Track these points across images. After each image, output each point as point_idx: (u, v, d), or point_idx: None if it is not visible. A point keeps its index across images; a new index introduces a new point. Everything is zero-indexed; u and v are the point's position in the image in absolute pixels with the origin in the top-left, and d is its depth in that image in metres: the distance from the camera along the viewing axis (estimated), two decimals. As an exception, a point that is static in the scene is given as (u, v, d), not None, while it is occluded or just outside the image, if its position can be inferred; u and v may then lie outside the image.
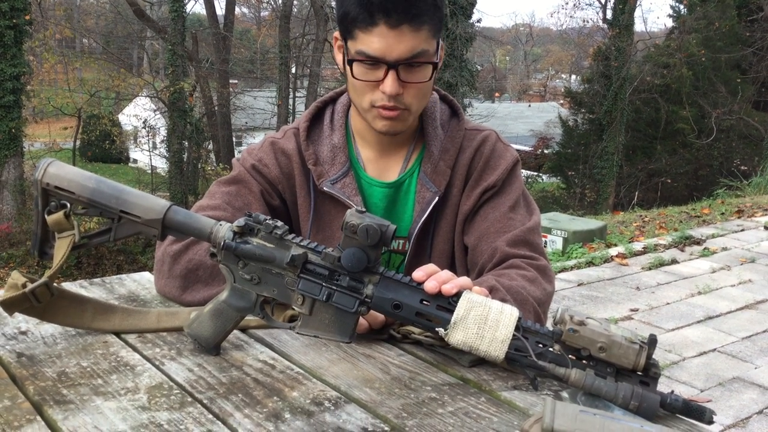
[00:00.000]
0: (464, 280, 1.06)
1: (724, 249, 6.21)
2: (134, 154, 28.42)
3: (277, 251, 1.04)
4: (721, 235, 6.68)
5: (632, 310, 4.69)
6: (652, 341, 0.95)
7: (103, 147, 26.17)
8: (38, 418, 0.89)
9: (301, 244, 1.04)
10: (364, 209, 1.02)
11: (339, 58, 1.40)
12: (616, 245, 6.34)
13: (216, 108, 21.17)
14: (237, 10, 26.78)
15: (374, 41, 1.27)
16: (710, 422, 0.93)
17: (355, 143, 1.50)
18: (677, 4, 21.72)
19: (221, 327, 1.08)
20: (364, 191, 1.48)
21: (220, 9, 23.13)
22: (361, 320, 1.13)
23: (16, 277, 1.08)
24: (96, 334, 1.15)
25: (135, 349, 1.11)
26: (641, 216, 8.26)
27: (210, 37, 22.56)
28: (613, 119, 18.05)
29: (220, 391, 0.98)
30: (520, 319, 1.00)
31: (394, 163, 1.50)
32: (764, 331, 4.37)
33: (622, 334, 0.95)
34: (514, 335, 0.98)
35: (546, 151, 22.89)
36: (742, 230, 6.93)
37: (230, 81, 23.07)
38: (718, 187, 10.59)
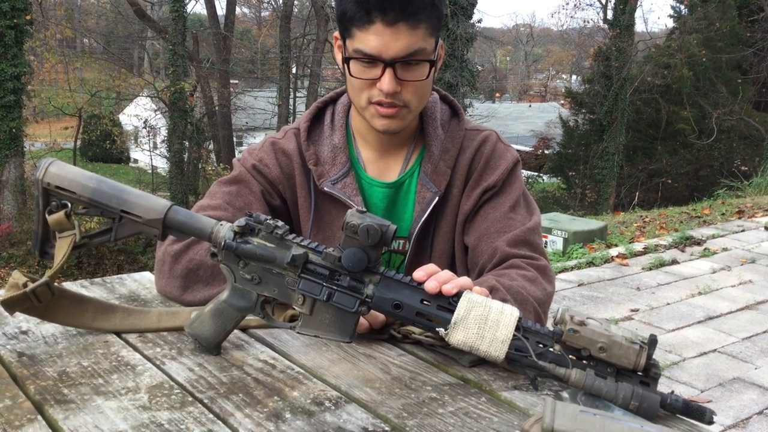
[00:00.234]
0: (464, 280, 1.06)
1: (725, 249, 6.20)
2: (135, 154, 28.42)
3: (278, 251, 1.04)
4: (722, 236, 6.68)
5: (632, 311, 4.69)
6: (653, 341, 0.95)
7: (103, 147, 26.18)
8: (39, 417, 0.89)
9: (302, 244, 1.04)
10: (364, 209, 1.02)
11: (339, 57, 1.41)
12: (616, 245, 6.34)
13: (216, 108, 21.17)
14: (238, 10, 26.78)
15: (371, 39, 1.27)
16: (710, 422, 0.93)
17: (356, 143, 1.50)
18: (678, 4, 21.72)
19: (222, 327, 1.08)
20: (365, 191, 1.48)
21: (220, 9, 23.17)
22: (362, 320, 1.13)
23: (17, 276, 1.08)
24: (97, 334, 1.15)
25: (136, 349, 1.11)
26: (642, 216, 8.26)
27: (211, 37, 22.56)
28: (613, 120, 18.05)
29: (220, 391, 0.98)
30: (520, 319, 1.00)
31: (395, 164, 1.50)
32: (764, 332, 4.37)
33: (622, 334, 0.95)
34: (514, 335, 0.98)
35: (546, 152, 22.88)
36: (743, 231, 6.93)
37: (231, 81, 23.07)
38: (718, 188, 10.59)
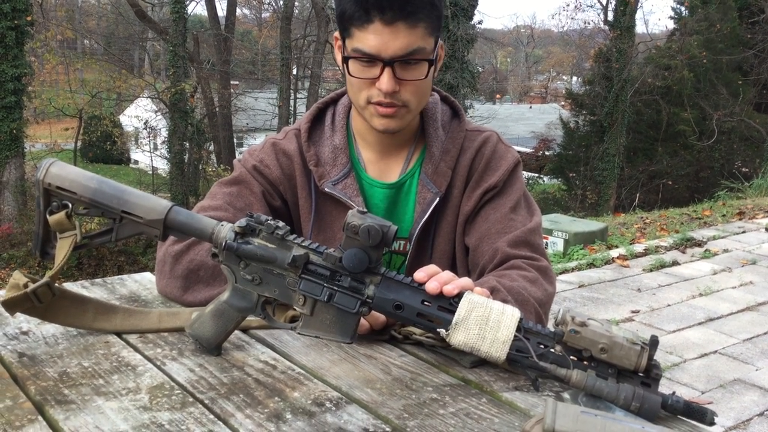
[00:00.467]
0: (465, 280, 1.06)
1: (725, 251, 6.20)
2: (135, 155, 28.43)
3: (279, 252, 1.04)
4: (722, 237, 6.68)
5: (633, 312, 4.69)
6: (654, 342, 0.95)
7: (104, 148, 26.21)
8: (40, 418, 0.89)
9: (303, 244, 1.04)
10: (365, 210, 1.02)
11: (339, 57, 1.41)
12: (617, 247, 6.34)
13: (217, 109, 21.18)
14: (238, 11, 26.82)
15: (369, 38, 1.27)
16: (711, 424, 0.93)
17: (356, 144, 1.50)
18: (678, 6, 21.73)
19: (222, 327, 1.08)
20: (365, 192, 1.48)
21: (221, 10, 23.12)
22: (362, 321, 1.13)
23: (18, 277, 1.08)
24: (97, 335, 1.15)
25: (136, 350, 1.11)
26: (642, 218, 8.26)
27: (211, 38, 22.58)
28: (614, 121, 18.05)
29: (221, 392, 0.98)
30: (521, 320, 1.00)
31: (395, 164, 1.50)
32: (765, 333, 4.36)
33: (623, 335, 0.95)
34: (515, 336, 0.98)
35: (547, 153, 22.88)
36: (743, 232, 6.93)
37: (231, 82, 23.08)
38: (719, 189, 10.59)
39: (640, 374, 0.95)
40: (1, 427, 0.86)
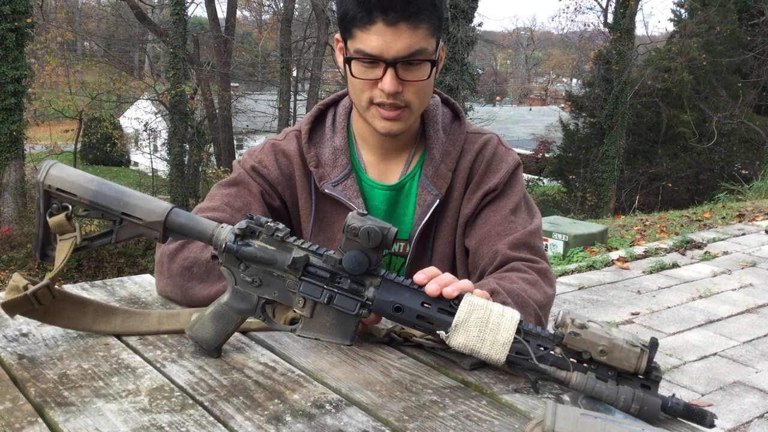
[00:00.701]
0: (465, 283, 1.06)
1: (725, 253, 6.20)
2: (135, 156, 28.44)
3: (279, 254, 1.04)
4: (722, 239, 6.68)
5: (633, 314, 4.69)
6: (653, 345, 0.95)
7: (104, 150, 26.21)
8: (39, 420, 0.89)
9: (303, 246, 1.04)
10: (365, 212, 1.02)
11: (340, 59, 1.41)
12: (617, 249, 6.34)
13: (217, 111, 21.19)
14: (238, 13, 26.84)
15: (372, 39, 1.28)
16: (711, 426, 0.93)
17: (357, 146, 1.50)
18: (678, 8, 21.75)
19: (222, 329, 1.08)
20: (366, 194, 1.48)
21: (221, 12, 23.14)
22: None
23: (18, 279, 1.08)
24: (97, 337, 1.15)
25: (136, 352, 1.11)
26: (642, 220, 8.26)
27: (211, 40, 22.58)
28: (614, 123, 18.06)
29: (221, 394, 0.98)
30: (521, 322, 1.00)
31: (396, 166, 1.50)
32: (765, 335, 4.36)
33: (623, 337, 0.95)
34: (515, 338, 0.98)
35: (547, 155, 22.89)
36: (743, 234, 6.93)
37: (231, 84, 23.09)
38: (719, 191, 10.59)
39: (640, 376, 0.95)
40: (1, 429, 0.86)
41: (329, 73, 23.89)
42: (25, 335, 1.14)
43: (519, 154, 1.56)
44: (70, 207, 1.08)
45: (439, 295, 1.02)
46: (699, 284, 5.31)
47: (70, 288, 1.34)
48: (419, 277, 1.04)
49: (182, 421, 0.90)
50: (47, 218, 1.08)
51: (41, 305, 1.08)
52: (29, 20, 13.15)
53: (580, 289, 5.19)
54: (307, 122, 1.50)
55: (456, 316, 1.00)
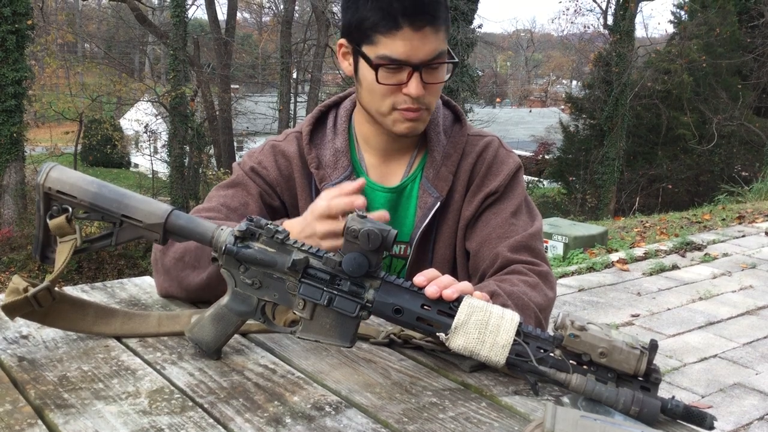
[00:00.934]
0: (465, 284, 1.06)
1: (725, 255, 6.20)
2: (135, 158, 28.45)
3: (279, 256, 1.04)
4: (722, 241, 6.68)
5: (633, 316, 4.68)
6: (653, 347, 0.95)
7: (104, 151, 26.20)
8: (39, 422, 0.89)
9: (303, 248, 1.04)
10: (365, 214, 1.02)
11: (345, 64, 1.41)
12: (617, 251, 6.34)
13: (217, 113, 21.20)
14: (238, 15, 26.85)
15: (399, 45, 1.29)
16: (711, 428, 0.93)
17: (359, 148, 1.50)
18: (678, 10, 21.77)
19: (222, 331, 1.08)
20: (367, 196, 1.48)
21: (221, 14, 23.15)
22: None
23: (18, 281, 1.08)
24: (97, 339, 1.15)
25: (136, 354, 1.11)
26: (642, 221, 8.26)
27: (211, 42, 22.60)
28: (614, 125, 18.06)
29: (220, 396, 0.98)
30: (520, 324, 1.00)
31: (397, 168, 1.50)
32: (765, 337, 4.36)
33: (623, 339, 0.95)
34: (515, 340, 0.98)
35: (547, 157, 22.89)
36: (743, 236, 6.93)
37: (231, 86, 23.12)
38: (719, 193, 10.59)
39: (640, 378, 0.95)
40: (1, 431, 0.87)
41: (329, 74, 23.92)
42: (25, 337, 1.14)
43: (519, 155, 1.56)
44: (70, 209, 1.08)
45: (438, 297, 1.02)
46: (699, 286, 5.31)
47: (70, 290, 1.34)
48: (419, 279, 1.04)
49: (182, 423, 0.90)
50: (47, 220, 1.09)
51: (41, 307, 1.08)
52: (30, 22, 13.17)
53: (579, 290, 5.19)
54: (308, 124, 1.50)
55: (456, 318, 1.00)
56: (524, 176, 1.56)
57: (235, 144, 23.49)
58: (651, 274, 5.62)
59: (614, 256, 6.04)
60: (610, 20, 19.70)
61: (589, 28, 24.73)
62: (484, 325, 0.99)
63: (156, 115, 21.91)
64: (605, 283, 5.38)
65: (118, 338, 1.16)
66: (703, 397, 3.55)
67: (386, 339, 1.18)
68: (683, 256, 6.13)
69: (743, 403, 3.50)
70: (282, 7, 22.35)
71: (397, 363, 1.12)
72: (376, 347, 1.17)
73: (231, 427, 0.90)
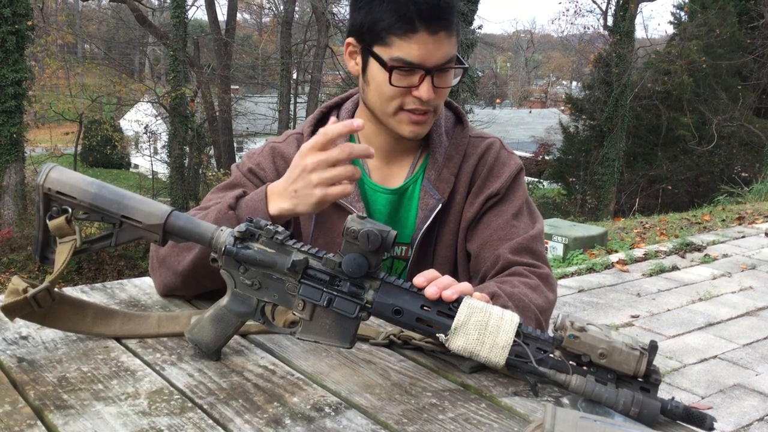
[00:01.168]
0: (465, 285, 1.06)
1: (725, 256, 6.20)
2: (135, 159, 28.45)
3: (278, 256, 1.04)
4: (722, 242, 6.68)
5: (633, 317, 4.68)
6: (653, 348, 0.95)
7: (104, 152, 26.21)
8: (39, 423, 0.89)
9: (302, 249, 1.04)
10: (365, 215, 1.02)
11: (351, 63, 1.41)
12: (616, 251, 6.34)
13: (217, 113, 21.21)
14: (239, 16, 26.86)
15: (414, 48, 1.30)
16: (711, 429, 0.93)
17: None
18: (678, 11, 21.78)
19: (222, 332, 1.08)
20: (368, 197, 1.48)
21: (221, 15, 23.16)
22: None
23: (17, 282, 1.08)
24: (97, 340, 1.15)
25: (135, 355, 1.11)
26: (642, 222, 8.26)
27: (211, 42, 22.61)
28: (613, 126, 18.07)
29: (220, 397, 0.98)
30: (520, 325, 1.00)
31: (400, 170, 1.50)
32: (765, 338, 4.36)
33: (622, 340, 0.95)
34: (514, 341, 0.98)
35: (547, 158, 22.90)
36: (743, 237, 6.93)
37: (231, 87, 23.13)
38: (718, 194, 10.60)
39: (640, 379, 0.95)
40: (0, 432, 0.87)
41: (329, 75, 23.92)
42: (24, 338, 1.14)
43: (519, 156, 1.56)
44: (70, 210, 1.08)
45: (438, 297, 1.02)
46: (699, 287, 5.31)
47: (69, 291, 1.34)
48: (418, 279, 1.04)
49: (181, 424, 0.90)
50: (47, 221, 1.08)
51: (41, 308, 1.08)
52: (30, 23, 13.17)
53: (579, 291, 5.19)
54: (309, 124, 1.50)
55: (455, 319, 1.00)
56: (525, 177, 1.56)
57: (235, 145, 23.49)
58: (651, 275, 5.62)
59: (614, 257, 6.04)
60: (610, 21, 19.72)
61: (589, 29, 24.78)
62: (484, 326, 0.99)
63: (156, 116, 21.91)
64: (605, 284, 5.38)
65: (118, 339, 1.16)
66: (702, 398, 3.55)
67: (386, 340, 1.18)
68: (683, 257, 6.13)
69: (743, 404, 3.50)
70: (282, 7, 22.37)
71: (396, 364, 1.12)
72: (375, 348, 1.17)
73: (230, 428, 0.90)
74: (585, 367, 0.96)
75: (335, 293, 1.03)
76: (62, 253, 1.08)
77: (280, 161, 1.48)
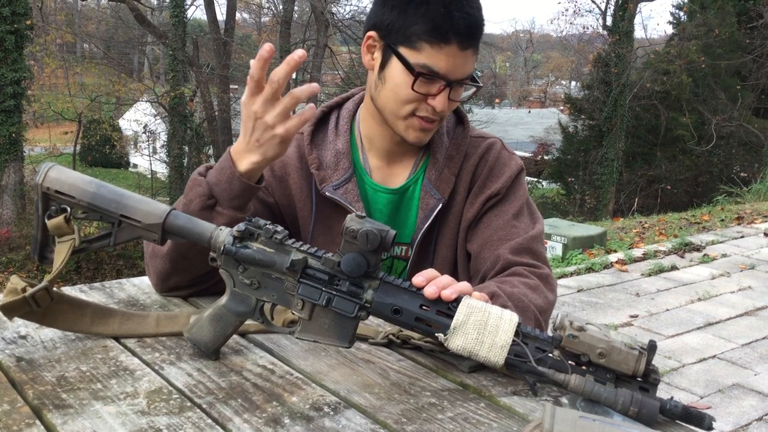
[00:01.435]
0: (464, 285, 1.06)
1: (724, 255, 6.21)
2: (134, 158, 28.44)
3: (277, 256, 1.04)
4: (721, 242, 6.69)
5: (632, 317, 4.69)
6: (652, 347, 0.95)
7: (103, 152, 26.20)
8: (37, 422, 0.89)
9: (301, 248, 1.04)
10: (364, 214, 1.01)
11: (367, 57, 1.41)
12: (615, 251, 6.34)
13: (216, 113, 21.19)
14: (238, 15, 26.83)
15: (443, 59, 1.32)
16: (709, 428, 0.93)
17: (363, 149, 1.50)
18: (677, 11, 21.78)
19: (221, 332, 1.08)
20: (369, 197, 1.48)
21: (220, 14, 23.14)
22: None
23: (16, 281, 1.08)
24: (96, 339, 1.15)
25: (134, 354, 1.11)
26: (641, 222, 8.26)
27: (211, 42, 22.59)
28: (612, 126, 18.07)
29: (219, 396, 0.98)
30: (519, 324, 1.00)
31: (401, 170, 1.50)
32: (764, 338, 4.37)
33: (621, 339, 0.95)
34: (513, 341, 0.98)
35: (546, 157, 22.91)
36: (742, 237, 6.94)
37: (231, 86, 23.10)
38: (717, 194, 10.60)
39: (639, 379, 0.95)
40: (-1, 432, 0.86)
41: (328, 75, 23.90)
42: (23, 337, 1.14)
43: (518, 156, 1.56)
44: (69, 209, 1.08)
45: (437, 297, 1.02)
46: (698, 287, 5.31)
47: (68, 290, 1.34)
48: (418, 279, 1.04)
49: (180, 424, 0.90)
50: (46, 220, 1.08)
51: (40, 307, 1.08)
52: (28, 22, 13.16)
53: (578, 291, 5.19)
54: (309, 124, 1.50)
55: (454, 318, 1.00)
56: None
57: (234, 144, 23.44)
58: (650, 275, 5.62)
59: (613, 257, 6.04)
60: (609, 21, 19.72)
61: (588, 28, 24.75)
62: (483, 326, 0.99)
63: (155, 116, 21.90)
64: (604, 284, 5.38)
65: (117, 338, 1.16)
66: (701, 398, 3.55)
67: (385, 339, 1.18)
68: (682, 257, 6.13)
69: (742, 404, 3.50)
70: (281, 7, 22.35)
71: (395, 363, 1.12)
72: (374, 347, 1.17)
73: (229, 428, 0.90)
74: (584, 367, 0.96)
75: (334, 293, 1.03)
76: (61, 253, 1.08)
77: (277, 161, 1.47)
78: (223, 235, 1.06)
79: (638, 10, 19.72)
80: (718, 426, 3.22)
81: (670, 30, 23.15)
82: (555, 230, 6.47)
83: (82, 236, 1.09)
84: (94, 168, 25.69)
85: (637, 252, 6.22)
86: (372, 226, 0.99)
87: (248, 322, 1.12)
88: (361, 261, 1.00)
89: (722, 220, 7.76)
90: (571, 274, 5.62)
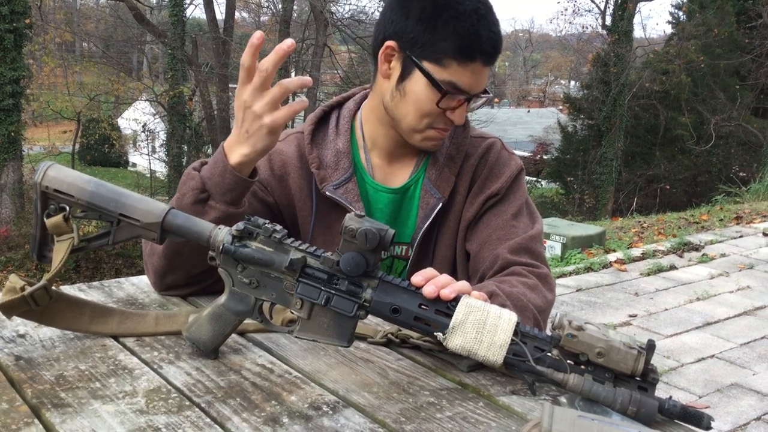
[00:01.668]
0: (463, 284, 1.06)
1: (723, 255, 6.21)
2: (133, 158, 28.43)
3: (276, 255, 1.04)
4: (720, 242, 6.69)
5: (631, 316, 4.69)
6: (651, 347, 0.95)
7: (102, 151, 26.20)
8: (36, 421, 0.89)
9: (300, 248, 1.04)
10: (363, 214, 1.02)
11: (385, 66, 1.40)
12: (614, 251, 6.34)
13: (215, 112, 21.18)
14: (237, 14, 26.82)
15: (467, 76, 1.34)
16: (708, 428, 0.93)
17: (365, 149, 1.50)
18: (676, 10, 21.79)
19: (220, 331, 1.08)
20: (370, 197, 1.48)
21: (220, 14, 23.15)
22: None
23: (14, 280, 1.08)
24: (94, 338, 1.15)
25: (133, 353, 1.11)
26: (640, 222, 8.27)
27: (210, 41, 22.57)
28: (612, 125, 18.08)
29: (218, 395, 0.98)
30: (518, 323, 1.00)
31: (402, 170, 1.50)
32: (762, 338, 4.37)
33: (620, 339, 0.95)
34: (512, 340, 0.98)
35: (545, 157, 22.91)
36: (741, 236, 6.94)
37: (230, 85, 23.08)
38: (716, 194, 10.61)
39: (637, 378, 0.96)
40: (-2, 431, 0.86)
41: (327, 74, 23.90)
42: (22, 336, 1.14)
43: (518, 156, 1.56)
44: (68, 208, 1.08)
45: (436, 296, 1.02)
46: (696, 286, 5.32)
47: (67, 289, 1.34)
48: (417, 278, 1.04)
49: (179, 423, 0.90)
50: (44, 219, 1.08)
51: (38, 306, 1.08)
52: (27, 21, 13.16)
53: (577, 290, 5.19)
54: (310, 123, 1.50)
55: (453, 317, 1.00)
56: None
57: (234, 143, 23.41)
58: (649, 275, 5.63)
59: (612, 257, 6.04)
60: (608, 21, 19.71)
61: (587, 28, 24.76)
62: (482, 325, 0.99)
63: (154, 115, 21.90)
64: (603, 284, 5.38)
65: (115, 337, 1.16)
66: (700, 398, 3.55)
67: (384, 338, 1.18)
68: (681, 257, 6.13)
69: (740, 404, 3.50)
70: (280, 6, 22.34)
71: (394, 362, 1.12)
72: (373, 347, 1.17)
73: (228, 427, 0.90)
74: (583, 366, 0.96)
75: (333, 292, 1.03)
76: (60, 251, 1.08)
77: (277, 160, 1.48)
78: (222, 234, 1.06)
79: (637, 9, 19.72)
80: (717, 425, 3.22)
81: (669, 30, 23.17)
82: (554, 230, 6.48)
83: (81, 235, 1.09)
84: (93, 167, 25.69)
85: (636, 251, 6.23)
86: (371, 225, 0.99)
87: (247, 321, 1.12)
88: (360, 260, 1.00)
89: (721, 220, 7.77)
90: (570, 273, 5.62)
